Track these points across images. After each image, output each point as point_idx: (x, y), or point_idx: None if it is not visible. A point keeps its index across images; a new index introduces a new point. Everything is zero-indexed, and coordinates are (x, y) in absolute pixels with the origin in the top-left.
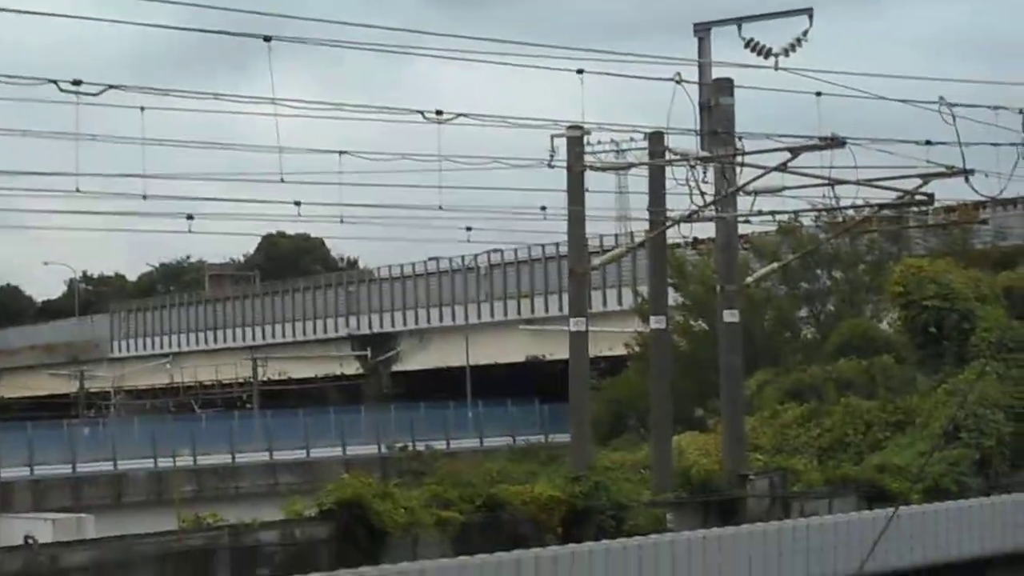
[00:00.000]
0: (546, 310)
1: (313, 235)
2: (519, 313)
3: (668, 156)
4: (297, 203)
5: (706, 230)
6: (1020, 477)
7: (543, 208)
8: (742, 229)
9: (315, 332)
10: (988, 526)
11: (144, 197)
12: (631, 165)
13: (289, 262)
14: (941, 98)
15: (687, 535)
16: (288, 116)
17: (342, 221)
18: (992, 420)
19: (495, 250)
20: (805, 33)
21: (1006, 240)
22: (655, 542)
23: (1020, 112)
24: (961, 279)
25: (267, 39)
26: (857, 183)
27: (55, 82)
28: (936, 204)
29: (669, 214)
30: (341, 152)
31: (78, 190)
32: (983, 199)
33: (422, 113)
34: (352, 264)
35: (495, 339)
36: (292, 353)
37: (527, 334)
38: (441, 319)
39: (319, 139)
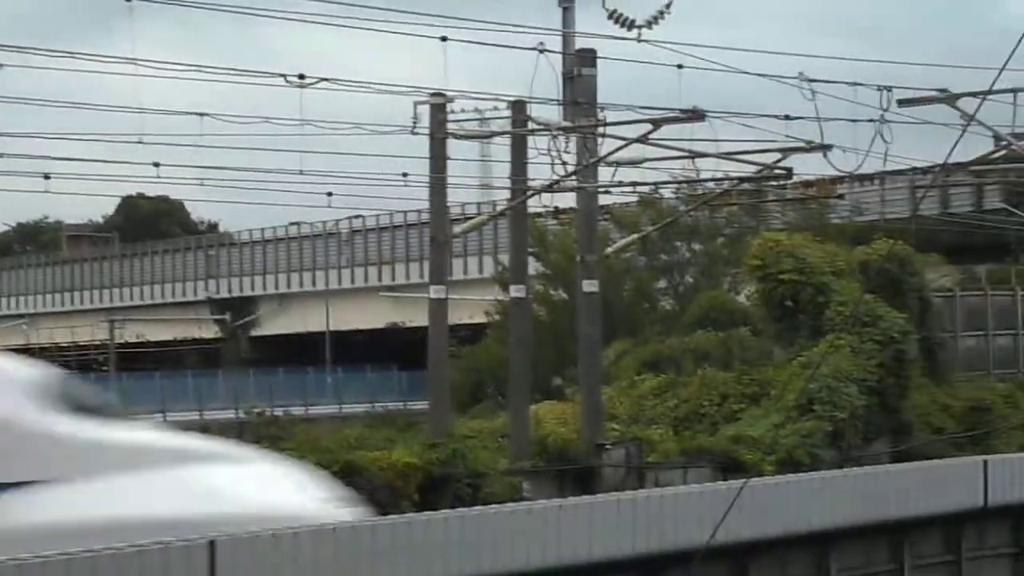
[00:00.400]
0: (407, 277)
1: (173, 197)
2: (380, 280)
3: (530, 125)
4: (156, 164)
5: (568, 200)
6: (872, 450)
7: (405, 175)
8: (603, 200)
9: (174, 295)
10: (839, 498)
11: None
12: (494, 134)
13: (148, 224)
14: (801, 73)
15: (543, 503)
16: (148, 77)
17: (202, 184)
18: (845, 393)
19: (356, 216)
20: (668, 6)
21: (862, 216)
22: (511, 510)
23: (878, 89)
24: (817, 253)
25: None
26: (717, 156)
27: None
28: (794, 179)
29: (531, 183)
30: (202, 114)
31: None
32: (841, 174)
33: (284, 77)
34: (212, 227)
35: (355, 305)
36: (150, 316)
37: (387, 301)
38: (301, 284)
39: (180, 101)
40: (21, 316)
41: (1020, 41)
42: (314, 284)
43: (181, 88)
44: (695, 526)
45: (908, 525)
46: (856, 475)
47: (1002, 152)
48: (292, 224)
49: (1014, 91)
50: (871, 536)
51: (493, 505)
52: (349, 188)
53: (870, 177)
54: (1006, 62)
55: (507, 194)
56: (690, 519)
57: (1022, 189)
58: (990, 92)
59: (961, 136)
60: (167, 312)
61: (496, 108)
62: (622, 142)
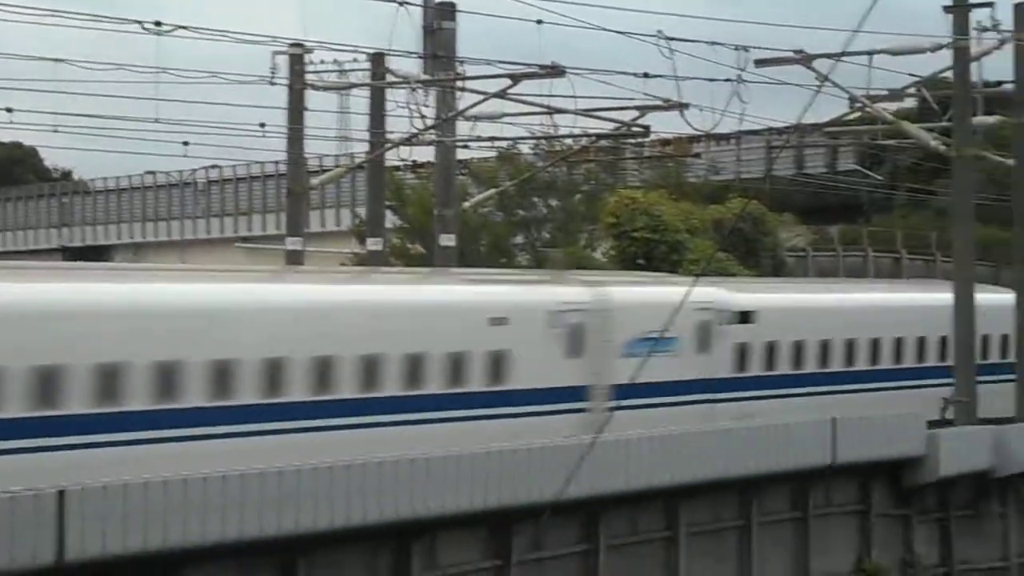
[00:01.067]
0: (263, 229)
1: (26, 144)
2: (236, 231)
3: (389, 78)
4: (9, 110)
5: (426, 154)
6: None
7: (263, 125)
8: (461, 154)
9: (27, 243)
10: (689, 455)
11: None
12: (352, 86)
13: (1, 171)
14: (659, 32)
15: (394, 457)
16: (2, 20)
17: (56, 130)
18: None
19: (213, 166)
20: None
21: (718, 174)
22: (362, 463)
23: (736, 49)
24: (673, 211)
25: None
26: (575, 112)
27: None
28: (652, 137)
29: (389, 136)
30: (56, 60)
31: None
32: (697, 133)
33: (140, 23)
34: (66, 175)
35: (211, 256)
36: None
37: (243, 252)
38: (156, 234)
39: (34, 46)
40: None
41: (874, 3)
42: (169, 234)
43: (35, 33)
44: (547, 481)
45: (757, 482)
46: (706, 433)
47: (856, 114)
48: (148, 173)
49: (869, 53)
50: (720, 492)
51: (343, 458)
52: (206, 137)
53: (726, 137)
54: (860, 24)
55: (365, 147)
56: (541, 474)
57: (875, 151)
58: (844, 54)
59: (815, 97)
60: (20, 260)
61: (356, 60)
62: (481, 97)
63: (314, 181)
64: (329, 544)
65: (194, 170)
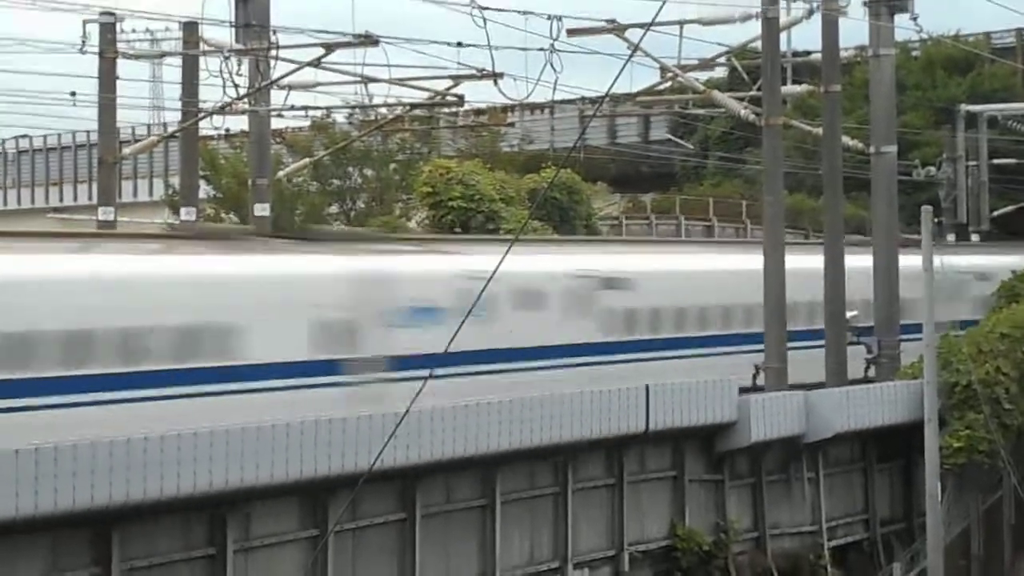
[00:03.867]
0: (75, 199)
1: None
2: (47, 201)
3: (202, 47)
4: None
5: (240, 123)
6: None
7: (73, 94)
8: (276, 124)
9: None
10: (505, 423)
11: None
12: (165, 54)
13: None
14: (473, 1)
15: (208, 430)
16: None
17: None
18: None
19: (23, 136)
20: None
21: (532, 144)
22: (160, 436)
23: (549, 18)
24: (488, 181)
25: None
26: (389, 82)
27: None
28: (466, 106)
29: (202, 106)
30: None
31: None
32: (512, 103)
33: None
34: None
35: (22, 226)
36: None
37: (54, 222)
38: None
39: None
40: None
41: None
42: None
43: None
44: (363, 451)
45: (573, 449)
46: (522, 401)
47: (668, 83)
48: None
49: (679, 23)
50: (536, 459)
51: (155, 431)
52: (15, 106)
53: (540, 106)
54: None
55: (178, 116)
56: (358, 444)
57: (687, 120)
58: (655, 24)
59: (625, 66)
60: None
61: (168, 29)
62: (295, 66)
63: (126, 151)
64: (145, 516)
65: (3, 140)
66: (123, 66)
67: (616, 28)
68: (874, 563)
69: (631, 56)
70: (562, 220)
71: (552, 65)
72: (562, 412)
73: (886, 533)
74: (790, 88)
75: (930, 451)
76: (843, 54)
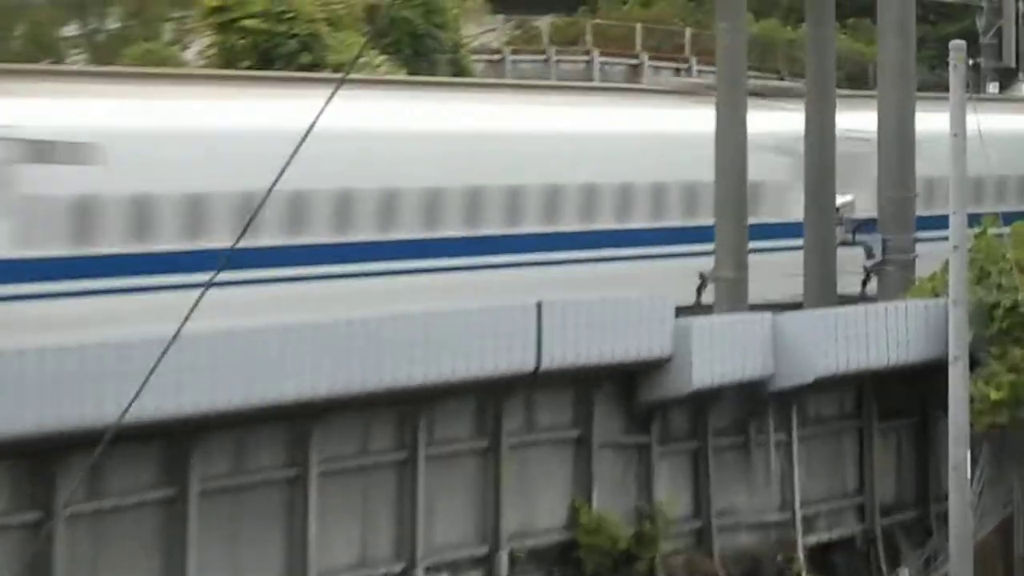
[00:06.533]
0: None
1: None
2: None
3: None
4: None
5: None
6: None
7: None
8: None
9: None
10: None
11: None
12: None
13: None
14: None
15: None
16: None
17: None
18: None
19: None
20: None
21: None
22: None
23: None
24: None
25: None
26: None
27: None
28: None
29: None
30: None
31: None
32: None
33: None
34: None
35: None
36: None
37: None
38: None
39: None
40: None
41: None
42: None
43: None
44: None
45: (424, 396)
46: (344, 323)
47: None
48: None
49: None
50: (370, 411)
51: None
52: None
53: None
54: None
55: None
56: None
57: None
58: None
59: None
60: None
61: None
62: None
63: None
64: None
65: None
66: None
67: None
68: (871, 568)
69: None
70: (416, 53)
71: None
72: (410, 340)
73: (889, 525)
74: None
75: (957, 405)
76: None
